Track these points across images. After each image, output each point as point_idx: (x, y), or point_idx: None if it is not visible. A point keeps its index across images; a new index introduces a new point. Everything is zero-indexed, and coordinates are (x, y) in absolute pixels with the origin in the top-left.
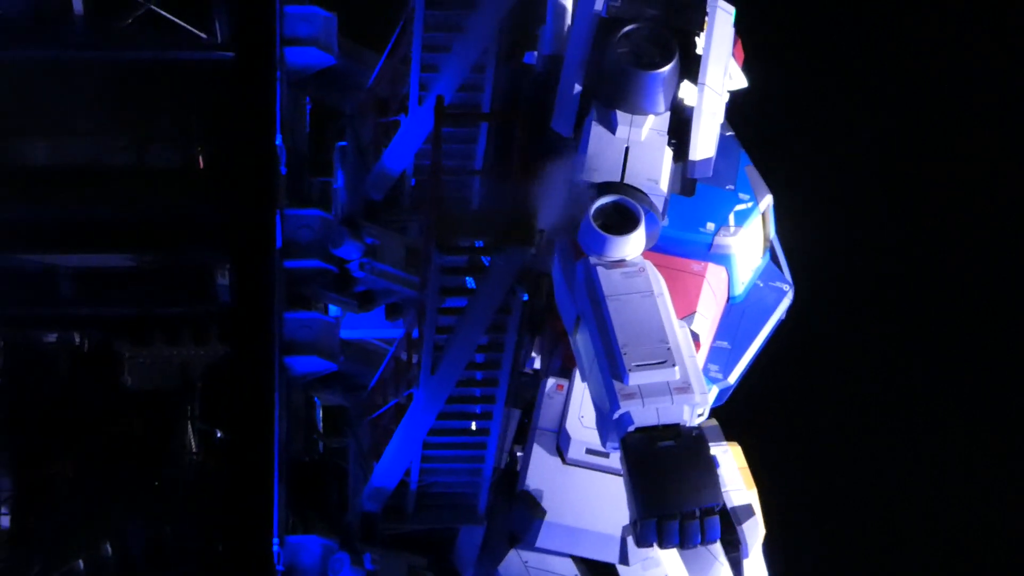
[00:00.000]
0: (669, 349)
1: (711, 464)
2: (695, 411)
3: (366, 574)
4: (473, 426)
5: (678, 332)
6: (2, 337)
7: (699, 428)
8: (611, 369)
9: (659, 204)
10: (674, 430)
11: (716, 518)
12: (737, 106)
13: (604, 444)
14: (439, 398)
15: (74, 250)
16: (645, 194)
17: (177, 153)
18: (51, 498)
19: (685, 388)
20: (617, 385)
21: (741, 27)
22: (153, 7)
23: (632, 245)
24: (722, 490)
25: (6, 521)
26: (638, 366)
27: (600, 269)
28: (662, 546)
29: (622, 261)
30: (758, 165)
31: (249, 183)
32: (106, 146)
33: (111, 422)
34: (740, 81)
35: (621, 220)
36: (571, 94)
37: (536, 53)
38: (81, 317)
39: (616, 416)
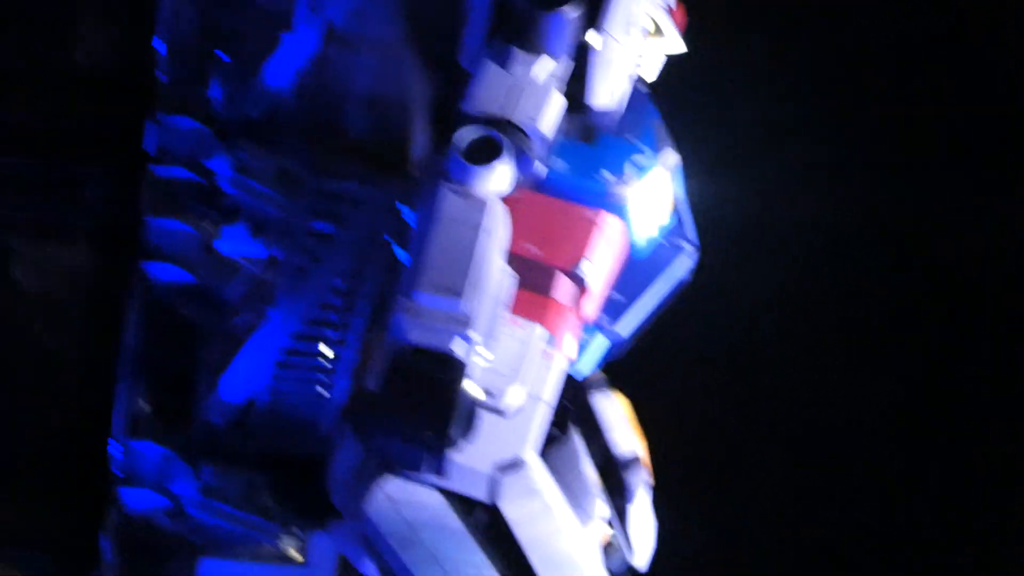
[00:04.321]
0: (466, 282)
1: (452, 401)
2: (470, 349)
3: (203, 486)
4: (327, 351)
5: (493, 274)
6: None
7: (463, 364)
8: (404, 283)
9: (539, 147)
10: (439, 359)
11: (443, 454)
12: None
13: None
14: (294, 319)
15: None
16: (525, 134)
17: (50, 51)
18: None
19: (463, 322)
20: (401, 299)
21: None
22: None
23: (494, 179)
24: (606, 438)
25: None
26: (426, 286)
27: (444, 191)
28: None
29: (473, 194)
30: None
31: (124, 87)
32: None
33: None
34: (678, 45)
35: (488, 153)
36: (477, 29)
37: None
38: None
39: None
